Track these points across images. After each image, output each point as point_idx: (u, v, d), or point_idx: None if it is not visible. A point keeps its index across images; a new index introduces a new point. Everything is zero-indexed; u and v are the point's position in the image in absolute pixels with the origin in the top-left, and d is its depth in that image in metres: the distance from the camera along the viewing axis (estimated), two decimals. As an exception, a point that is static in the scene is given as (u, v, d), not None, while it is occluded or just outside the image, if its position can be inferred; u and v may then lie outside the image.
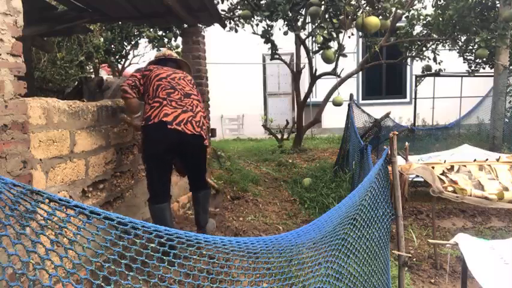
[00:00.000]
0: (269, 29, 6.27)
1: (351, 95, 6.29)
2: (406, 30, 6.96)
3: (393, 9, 5.61)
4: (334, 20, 5.10)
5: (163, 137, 2.89)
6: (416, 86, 8.29)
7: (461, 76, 7.76)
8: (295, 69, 7.84)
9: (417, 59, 7.42)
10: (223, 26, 6.13)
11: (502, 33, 5.15)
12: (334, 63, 6.11)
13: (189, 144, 3.01)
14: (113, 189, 2.98)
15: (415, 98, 8.42)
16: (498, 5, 5.45)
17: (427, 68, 7.59)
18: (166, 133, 2.87)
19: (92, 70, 8.84)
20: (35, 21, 4.65)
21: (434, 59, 7.05)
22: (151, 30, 7.76)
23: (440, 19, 6.03)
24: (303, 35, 6.54)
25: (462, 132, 7.49)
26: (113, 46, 8.27)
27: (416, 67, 8.53)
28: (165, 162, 3.04)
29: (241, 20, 7.00)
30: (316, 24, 5.38)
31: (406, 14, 6.51)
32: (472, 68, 6.99)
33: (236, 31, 7.17)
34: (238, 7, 6.81)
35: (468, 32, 5.92)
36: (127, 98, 3.00)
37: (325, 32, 4.90)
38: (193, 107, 3.06)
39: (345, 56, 5.51)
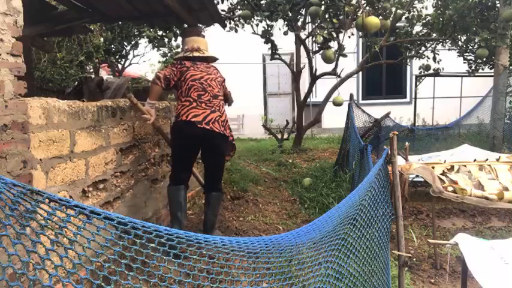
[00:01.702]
0: (269, 29, 6.27)
1: (351, 95, 6.29)
2: (406, 30, 6.96)
3: (393, 9, 5.62)
4: (334, 20, 5.10)
5: (193, 132, 3.20)
6: (416, 86, 8.29)
7: (461, 76, 7.76)
8: (295, 69, 7.84)
9: (416, 58, 7.42)
10: (223, 26, 6.13)
11: (502, 33, 5.15)
12: (334, 63, 6.11)
13: (214, 140, 3.28)
14: (112, 189, 2.98)
15: (415, 98, 8.43)
16: (498, 5, 5.45)
17: (426, 67, 7.60)
18: (196, 130, 3.18)
19: (92, 70, 8.85)
20: (35, 21, 4.65)
21: (434, 59, 7.05)
22: (151, 30, 7.76)
23: (440, 19, 6.03)
24: (303, 35, 6.54)
25: (462, 132, 7.49)
26: (113, 46, 8.27)
27: (416, 67, 8.53)
28: (189, 154, 3.35)
29: (241, 20, 7.00)
30: (316, 24, 5.38)
31: (406, 14, 6.51)
32: (472, 68, 6.99)
33: (236, 31, 7.17)
34: (238, 7, 6.81)
35: (468, 32, 5.92)
36: (156, 84, 3.31)
37: (325, 32, 4.90)
38: (220, 107, 3.38)
39: (345, 56, 5.51)
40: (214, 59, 3.74)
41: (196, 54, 3.54)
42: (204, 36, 5.46)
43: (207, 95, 3.32)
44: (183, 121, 3.21)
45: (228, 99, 3.79)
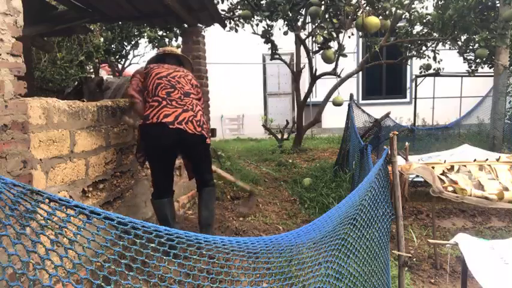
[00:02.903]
0: (269, 29, 6.27)
1: (351, 95, 6.29)
2: (406, 29, 6.96)
3: (393, 9, 5.62)
4: (334, 20, 5.10)
5: (164, 136, 2.88)
6: (416, 85, 8.29)
7: (461, 76, 7.76)
8: (295, 69, 7.84)
9: (416, 58, 7.43)
10: (223, 26, 6.12)
11: (502, 33, 5.15)
12: (334, 63, 6.11)
13: (189, 143, 3.01)
14: (113, 189, 2.98)
15: (415, 98, 8.43)
16: (498, 5, 5.45)
17: (427, 66, 7.60)
18: (168, 133, 2.86)
19: (92, 70, 8.84)
20: (35, 21, 4.65)
21: (434, 58, 7.06)
22: (151, 30, 7.76)
23: (440, 19, 6.03)
24: (303, 35, 6.54)
25: (462, 132, 7.49)
26: (113, 46, 8.27)
27: (416, 67, 8.53)
28: (165, 160, 3.05)
29: (241, 20, 7.00)
30: (316, 24, 5.38)
31: (406, 14, 6.51)
32: (472, 67, 6.99)
33: (236, 31, 7.17)
34: (238, 7, 6.81)
35: (468, 32, 5.92)
36: (135, 102, 3.06)
37: (325, 32, 4.90)
38: (194, 106, 3.03)
39: (345, 56, 5.51)
40: (187, 59, 3.49)
41: (168, 49, 3.39)
42: (204, 37, 5.46)
43: (176, 92, 2.98)
44: (153, 124, 2.85)
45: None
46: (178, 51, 3.56)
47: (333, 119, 10.05)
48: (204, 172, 3.27)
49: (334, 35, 5.13)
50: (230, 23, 7.11)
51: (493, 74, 5.73)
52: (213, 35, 8.21)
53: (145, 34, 8.08)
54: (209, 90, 5.62)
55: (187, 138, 2.92)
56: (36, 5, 4.56)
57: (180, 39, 6.50)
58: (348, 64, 7.62)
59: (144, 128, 2.93)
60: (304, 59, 7.85)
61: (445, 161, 2.63)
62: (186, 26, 5.30)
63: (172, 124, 2.85)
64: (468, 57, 6.88)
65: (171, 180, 3.19)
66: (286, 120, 8.93)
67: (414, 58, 7.70)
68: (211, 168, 3.41)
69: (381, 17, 4.96)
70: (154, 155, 3.01)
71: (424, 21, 6.72)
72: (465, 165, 2.55)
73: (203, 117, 3.11)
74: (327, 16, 5.09)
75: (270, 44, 6.46)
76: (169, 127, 2.84)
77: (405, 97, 11.51)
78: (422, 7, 6.83)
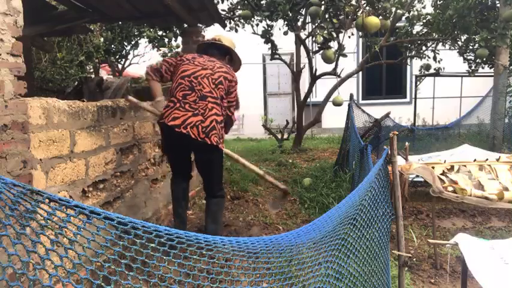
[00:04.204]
0: (269, 29, 6.27)
1: (351, 95, 6.29)
2: (406, 29, 6.96)
3: (393, 9, 5.62)
4: (334, 20, 5.10)
5: (172, 138, 3.00)
6: (416, 85, 8.29)
7: (461, 76, 7.76)
8: (295, 69, 7.84)
9: (416, 58, 7.43)
10: (223, 26, 6.13)
11: (502, 33, 5.15)
12: (334, 63, 6.11)
13: (194, 148, 3.06)
14: (112, 189, 2.98)
15: (415, 98, 8.43)
16: (498, 5, 5.45)
17: (427, 67, 7.60)
18: (174, 136, 2.93)
19: (92, 70, 8.85)
20: (35, 21, 4.65)
21: (434, 58, 7.06)
22: (151, 30, 7.76)
23: (440, 19, 6.03)
24: (303, 35, 6.54)
25: (462, 132, 7.49)
26: (113, 46, 8.28)
27: (416, 67, 8.53)
28: (177, 154, 3.20)
29: (241, 20, 7.00)
30: (316, 24, 5.38)
31: (406, 14, 6.51)
32: (472, 67, 6.99)
33: (236, 31, 7.17)
34: (238, 7, 6.81)
35: (468, 32, 5.92)
36: (148, 79, 3.22)
37: (325, 32, 4.90)
38: (206, 110, 2.95)
39: (345, 56, 5.51)
40: (228, 53, 3.41)
41: (216, 38, 3.36)
42: (204, 37, 5.46)
43: (193, 95, 2.96)
44: (164, 124, 2.97)
45: (232, 106, 3.30)
46: (226, 39, 3.42)
47: (333, 119, 10.04)
48: (210, 182, 3.20)
49: (334, 35, 5.13)
50: (230, 23, 7.12)
51: (493, 74, 5.73)
52: (213, 35, 8.20)
53: (145, 34, 8.08)
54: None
55: (192, 142, 2.93)
56: (36, 5, 4.56)
57: (180, 39, 6.51)
58: (348, 64, 7.62)
59: (160, 124, 3.10)
60: (304, 59, 7.85)
61: (445, 161, 2.63)
62: (186, 26, 5.31)
63: (178, 127, 2.89)
64: (468, 57, 6.88)
65: (187, 166, 3.30)
66: (286, 120, 8.93)
67: (414, 58, 7.69)
68: (221, 179, 3.28)
69: (380, 17, 4.96)
70: (168, 148, 3.22)
71: (424, 21, 6.72)
72: (465, 165, 2.55)
73: (216, 122, 2.98)
74: (327, 16, 5.09)
75: (270, 44, 6.46)
76: (175, 130, 2.90)
77: (405, 97, 11.52)
78: (423, 7, 6.83)
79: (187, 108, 2.94)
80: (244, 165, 3.61)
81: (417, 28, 7.08)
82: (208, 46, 3.38)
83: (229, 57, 3.46)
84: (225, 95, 3.13)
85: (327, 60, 5.23)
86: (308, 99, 8.15)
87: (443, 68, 7.55)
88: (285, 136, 8.42)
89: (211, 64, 3.12)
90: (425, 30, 6.90)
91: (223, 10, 6.71)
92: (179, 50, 7.20)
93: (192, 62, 3.11)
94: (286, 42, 7.78)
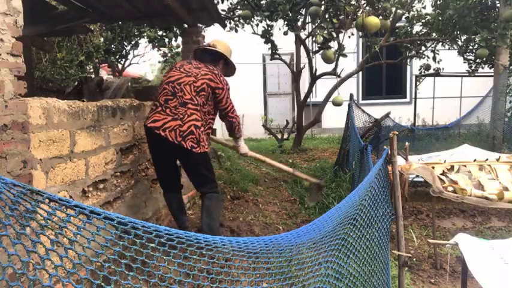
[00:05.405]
0: (269, 29, 6.28)
1: (351, 95, 6.28)
2: (406, 29, 6.96)
3: (393, 9, 5.62)
4: (334, 20, 5.10)
5: (152, 140, 3.12)
6: (416, 86, 8.29)
7: (461, 76, 7.76)
8: (295, 69, 7.84)
9: (416, 58, 7.43)
10: (223, 26, 6.13)
11: (502, 33, 5.15)
12: (334, 63, 6.11)
13: (174, 151, 3.07)
14: (112, 189, 2.98)
15: (415, 98, 8.42)
16: (498, 5, 5.45)
17: (426, 67, 7.60)
18: (153, 137, 3.05)
19: (92, 70, 8.85)
20: (35, 21, 4.65)
21: (434, 59, 7.06)
22: (151, 30, 7.77)
23: (440, 19, 6.03)
24: (303, 35, 6.54)
25: (462, 132, 7.49)
26: (113, 46, 8.28)
27: (416, 67, 8.53)
28: (160, 160, 3.22)
29: (241, 20, 7.00)
30: (316, 24, 5.38)
31: (406, 14, 6.51)
32: (472, 67, 6.99)
33: (236, 31, 7.17)
34: (238, 7, 6.82)
35: (468, 32, 5.92)
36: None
37: (325, 32, 4.90)
38: (185, 116, 3.01)
39: (345, 56, 5.51)
40: (222, 57, 3.43)
41: (211, 44, 3.44)
42: (204, 37, 5.47)
43: (174, 100, 3.05)
44: (146, 126, 3.08)
45: (228, 112, 3.37)
46: (221, 45, 3.47)
47: (333, 119, 10.04)
48: (196, 184, 3.31)
49: (334, 35, 5.13)
50: (230, 23, 7.12)
51: (493, 74, 5.73)
52: (213, 35, 8.21)
53: (145, 34, 8.09)
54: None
55: (169, 146, 2.99)
56: (36, 5, 4.56)
57: (180, 39, 6.51)
58: (348, 64, 7.62)
59: (144, 127, 3.18)
60: (304, 59, 7.85)
61: (445, 161, 2.63)
62: (186, 26, 5.31)
63: (157, 129, 3.00)
64: (468, 57, 6.88)
65: (172, 177, 3.32)
66: (286, 120, 8.93)
67: (414, 58, 7.69)
68: (208, 179, 3.23)
69: (380, 17, 4.96)
70: (151, 154, 3.27)
71: (424, 21, 6.72)
72: (465, 165, 2.55)
73: (195, 127, 3.02)
74: (327, 16, 5.09)
75: (270, 44, 6.46)
76: (155, 132, 3.00)
77: (405, 97, 11.51)
78: (423, 7, 6.83)
79: (167, 112, 3.04)
80: (272, 165, 3.94)
81: (417, 28, 7.07)
82: (202, 51, 3.49)
83: (225, 61, 3.53)
84: (210, 100, 3.21)
85: (327, 60, 5.23)
86: (308, 99, 8.15)
87: (443, 68, 7.55)
88: (285, 136, 8.43)
89: (196, 71, 3.18)
90: (425, 30, 6.90)
91: (223, 10, 6.71)
92: (179, 50, 7.20)
93: (179, 69, 3.23)
94: (286, 42, 7.78)
